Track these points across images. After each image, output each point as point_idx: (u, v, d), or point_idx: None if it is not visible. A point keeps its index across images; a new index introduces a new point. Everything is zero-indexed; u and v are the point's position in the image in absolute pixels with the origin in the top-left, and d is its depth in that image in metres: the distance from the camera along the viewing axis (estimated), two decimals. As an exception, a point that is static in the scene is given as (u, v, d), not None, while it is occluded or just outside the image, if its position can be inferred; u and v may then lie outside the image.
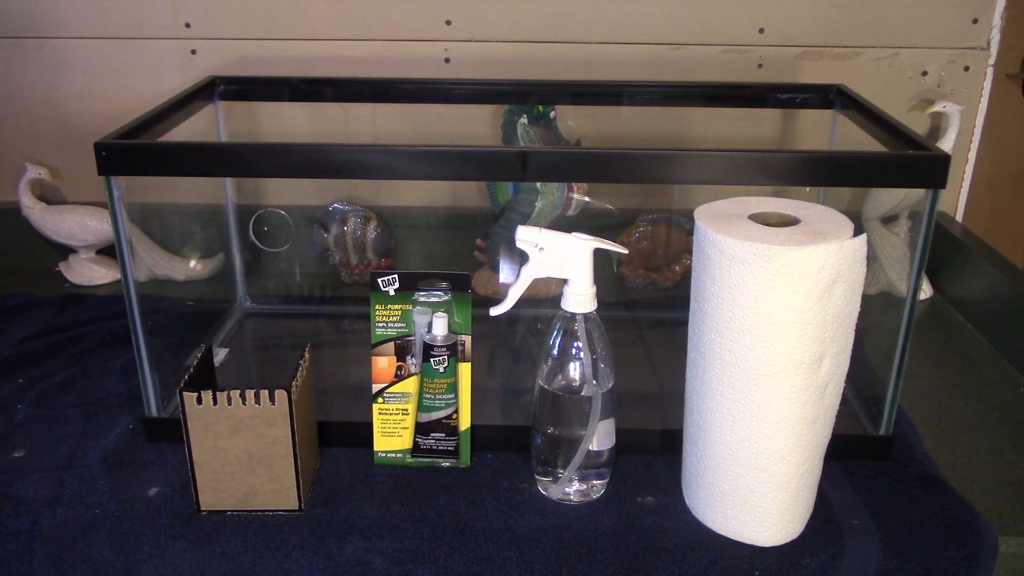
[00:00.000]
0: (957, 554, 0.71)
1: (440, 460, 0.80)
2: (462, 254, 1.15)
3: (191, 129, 0.90)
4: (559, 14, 1.13)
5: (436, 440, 0.79)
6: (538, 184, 1.02)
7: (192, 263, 1.16)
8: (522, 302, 0.73)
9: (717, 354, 0.67)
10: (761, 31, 1.13)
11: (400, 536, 0.72)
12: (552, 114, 1.03)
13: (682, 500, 0.76)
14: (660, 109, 1.10)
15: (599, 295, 0.72)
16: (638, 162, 0.72)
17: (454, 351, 0.77)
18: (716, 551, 0.71)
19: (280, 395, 0.70)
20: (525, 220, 1.03)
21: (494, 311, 0.73)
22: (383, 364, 0.78)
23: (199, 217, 1.16)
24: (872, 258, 1.07)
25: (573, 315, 0.72)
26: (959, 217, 1.24)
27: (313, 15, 1.13)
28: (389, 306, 0.77)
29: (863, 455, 0.81)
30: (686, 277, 0.75)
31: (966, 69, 1.15)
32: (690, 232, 0.73)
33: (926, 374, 0.97)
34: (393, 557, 0.71)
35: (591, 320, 0.72)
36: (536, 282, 0.71)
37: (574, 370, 0.74)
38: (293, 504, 0.74)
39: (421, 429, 0.79)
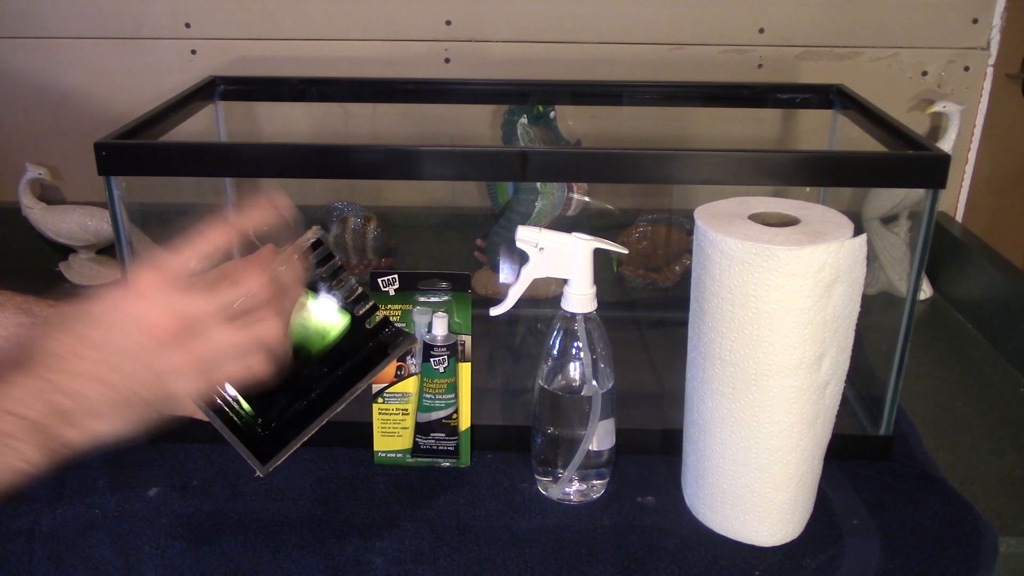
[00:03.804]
0: (957, 554, 0.71)
1: (440, 460, 0.80)
2: (462, 254, 1.14)
3: (191, 129, 0.89)
4: (559, 14, 1.13)
5: (436, 440, 0.79)
6: (538, 184, 1.01)
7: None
8: (522, 302, 0.73)
9: (717, 354, 0.67)
10: (761, 31, 1.13)
11: (400, 536, 0.72)
12: (552, 114, 1.03)
13: (682, 500, 0.76)
14: (660, 109, 1.10)
15: (599, 295, 0.72)
16: (638, 162, 0.72)
17: (454, 351, 0.77)
18: (716, 551, 0.71)
19: None
20: (525, 220, 1.03)
21: (494, 311, 0.73)
22: (383, 364, 0.78)
23: (199, 217, 1.16)
24: (872, 258, 1.07)
25: (573, 315, 0.72)
26: (959, 217, 1.24)
27: (313, 15, 1.13)
28: (389, 306, 0.77)
29: (863, 455, 0.81)
30: (686, 277, 0.75)
31: (966, 69, 1.15)
32: (690, 232, 0.73)
33: (926, 374, 0.97)
34: (393, 557, 0.71)
35: (591, 320, 0.72)
36: (536, 282, 0.71)
37: (574, 370, 0.74)
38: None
39: (421, 429, 0.79)
